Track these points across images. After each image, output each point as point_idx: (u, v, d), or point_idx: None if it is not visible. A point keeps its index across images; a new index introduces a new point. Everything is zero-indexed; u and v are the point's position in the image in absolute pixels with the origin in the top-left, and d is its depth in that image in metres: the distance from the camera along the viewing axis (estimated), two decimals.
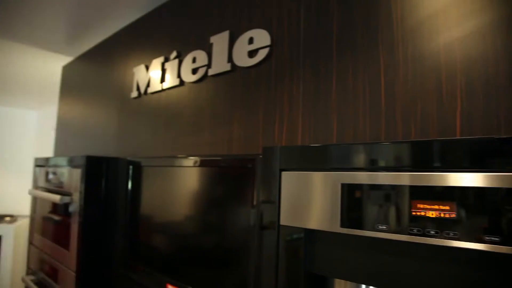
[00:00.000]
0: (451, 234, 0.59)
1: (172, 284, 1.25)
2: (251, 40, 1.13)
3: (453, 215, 0.59)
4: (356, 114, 0.87)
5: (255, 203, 1.00)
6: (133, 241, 1.49)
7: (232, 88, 1.20)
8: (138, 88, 1.64)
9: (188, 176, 1.27)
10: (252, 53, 1.13)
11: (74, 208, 1.61)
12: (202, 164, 1.21)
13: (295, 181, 0.78)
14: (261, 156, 0.87)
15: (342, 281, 0.76)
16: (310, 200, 0.75)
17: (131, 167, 1.55)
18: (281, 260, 0.80)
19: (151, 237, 1.43)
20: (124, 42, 1.83)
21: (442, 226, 0.60)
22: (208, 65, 1.28)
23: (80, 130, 2.17)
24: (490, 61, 0.71)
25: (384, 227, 0.65)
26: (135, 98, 1.66)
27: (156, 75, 1.54)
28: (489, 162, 0.58)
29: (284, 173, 0.80)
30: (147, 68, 1.60)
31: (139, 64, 1.66)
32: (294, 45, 1.03)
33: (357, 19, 0.90)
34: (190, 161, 1.25)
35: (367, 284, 0.74)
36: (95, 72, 2.10)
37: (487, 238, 0.56)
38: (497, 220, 0.55)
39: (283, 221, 0.79)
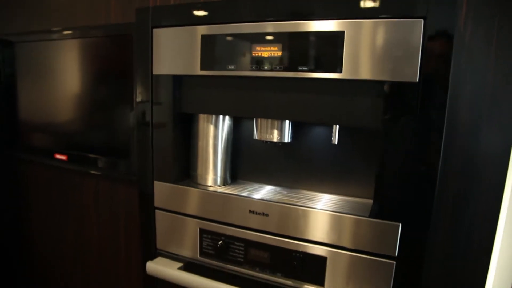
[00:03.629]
0: (278, 67, 0.81)
1: (59, 153, 1.35)
2: None
3: (279, 54, 0.81)
4: None
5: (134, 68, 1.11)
6: (16, 123, 1.50)
7: None
8: None
9: (68, 52, 1.30)
10: None
11: None
12: (82, 35, 1.24)
13: (164, 36, 0.92)
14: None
15: (205, 115, 0.97)
16: (176, 51, 0.90)
17: None
18: (155, 105, 0.96)
19: (35, 118, 1.46)
20: None
21: (272, 62, 0.81)
22: None
23: None
24: None
25: (233, 66, 0.85)
26: None
27: None
28: (303, 13, 0.79)
29: (155, 30, 0.92)
30: None
31: None
32: None
33: None
34: (69, 34, 1.27)
35: (224, 114, 0.96)
36: None
37: (300, 68, 0.79)
38: (306, 56, 0.79)
39: (155, 70, 0.94)
